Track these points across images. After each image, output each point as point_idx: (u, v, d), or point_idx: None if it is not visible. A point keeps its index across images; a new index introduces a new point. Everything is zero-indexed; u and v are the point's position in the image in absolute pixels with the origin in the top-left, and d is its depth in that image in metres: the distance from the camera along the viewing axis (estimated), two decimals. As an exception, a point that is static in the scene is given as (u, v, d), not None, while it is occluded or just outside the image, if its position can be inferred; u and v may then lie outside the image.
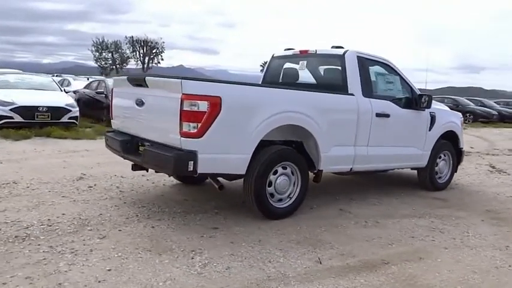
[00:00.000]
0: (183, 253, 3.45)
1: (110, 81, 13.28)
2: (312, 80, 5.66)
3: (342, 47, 5.33)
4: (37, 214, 4.19)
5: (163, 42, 65.60)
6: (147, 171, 5.06)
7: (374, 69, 5.39)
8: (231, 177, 4.22)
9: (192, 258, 3.37)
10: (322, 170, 4.74)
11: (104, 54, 65.32)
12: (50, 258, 3.20)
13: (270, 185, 4.31)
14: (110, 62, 65.49)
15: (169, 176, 5.24)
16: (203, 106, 3.72)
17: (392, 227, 4.49)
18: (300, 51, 5.70)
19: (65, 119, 10.31)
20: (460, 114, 6.89)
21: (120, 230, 3.89)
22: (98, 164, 6.77)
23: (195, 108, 3.71)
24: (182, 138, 3.77)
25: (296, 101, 4.43)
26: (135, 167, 4.75)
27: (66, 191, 5.07)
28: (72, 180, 5.60)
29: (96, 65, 65.68)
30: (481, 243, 4.14)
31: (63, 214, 4.23)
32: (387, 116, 5.26)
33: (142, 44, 65.24)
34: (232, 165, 4.02)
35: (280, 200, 4.45)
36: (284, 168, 4.41)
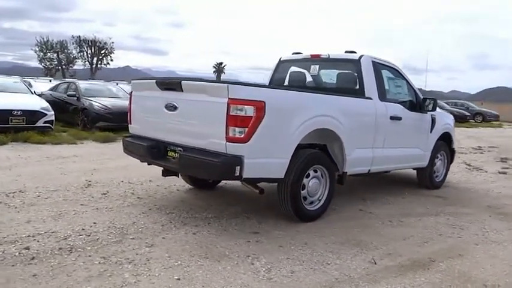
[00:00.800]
0: (240, 259, 3.43)
1: (82, 84, 12.84)
2: (327, 84, 5.77)
3: (355, 52, 5.48)
4: (66, 224, 4.01)
5: (113, 42, 63.56)
6: (178, 176, 4.96)
7: (385, 73, 5.58)
8: (269, 181, 4.23)
9: (252, 263, 3.35)
10: (346, 172, 4.85)
11: (48, 54, 62.21)
12: (111, 270, 3.08)
13: (303, 188, 4.36)
14: (56, 62, 62.50)
15: (210, 181, 5.06)
16: (250, 111, 3.71)
17: (416, 225, 4.67)
18: (312, 55, 5.80)
19: (40, 123, 9.81)
20: (452, 116, 7.27)
21: (163, 238, 3.79)
22: (95, 170, 6.55)
23: (242, 113, 3.69)
24: (228, 143, 3.74)
25: (327, 105, 4.52)
26: (166, 173, 4.65)
27: (82, 199, 4.86)
28: (81, 188, 5.37)
29: (41, 66, 62.51)
30: (502, 238, 4.40)
31: (95, 223, 4.06)
32: (399, 119, 5.47)
33: (90, 44, 62.79)
34: (274, 170, 4.03)
35: (311, 202, 4.52)
36: (315, 171, 4.48)
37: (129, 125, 4.94)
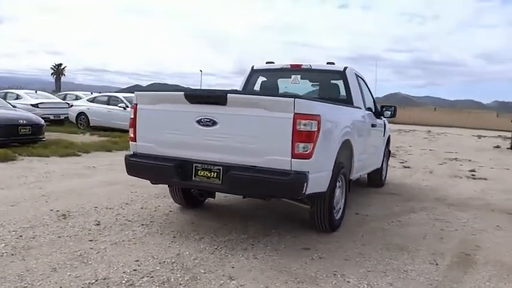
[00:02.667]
0: (329, 278, 3.36)
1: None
2: (307, 94, 5.91)
3: (334, 63, 5.75)
4: (106, 266, 3.37)
5: None
6: (214, 197, 4.52)
7: (361, 83, 5.98)
8: (315, 196, 4.15)
9: (348, 281, 3.33)
10: (351, 179, 5.08)
11: None
12: None
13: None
14: None
15: (267, 200, 4.66)
16: (314, 125, 3.66)
17: (413, 223, 5.15)
18: (291, 65, 5.86)
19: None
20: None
21: (233, 267, 3.47)
22: (43, 196, 5.51)
23: (308, 128, 3.61)
24: (294, 159, 3.62)
25: (348, 116, 4.68)
26: (207, 195, 4.24)
27: (81, 234, 4.11)
28: (58, 220, 4.50)
29: None
30: (492, 225, 5.13)
31: (137, 261, 3.50)
32: (375, 126, 5.94)
33: None
34: (323, 183, 4.02)
35: (337, 211, 4.62)
36: (339, 181, 4.59)
37: (133, 143, 4.33)
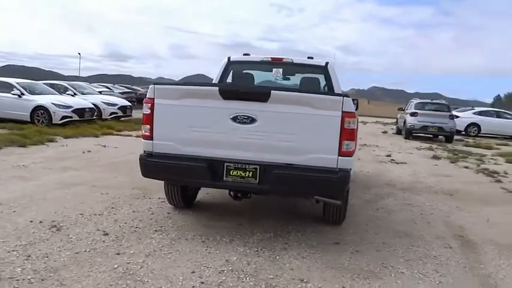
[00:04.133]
0: (390, 270, 3.51)
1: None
2: (291, 86, 5.94)
3: (313, 58, 5.88)
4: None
5: None
6: (249, 197, 4.24)
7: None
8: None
9: (402, 272, 3.51)
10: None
11: None
12: None
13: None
14: None
15: (307, 199, 4.48)
16: (355, 123, 3.74)
17: (394, 209, 5.57)
18: (272, 58, 5.81)
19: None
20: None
21: (292, 269, 3.41)
22: (11, 206, 4.70)
23: (352, 126, 3.68)
24: (340, 157, 3.67)
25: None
26: (242, 195, 4.01)
27: (97, 247, 3.63)
28: (50, 232, 3.91)
29: None
30: (451, 206, 5.80)
31: (183, 276, 3.25)
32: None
33: None
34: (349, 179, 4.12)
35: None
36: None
37: (148, 141, 3.92)
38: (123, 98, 17.99)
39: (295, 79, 6.14)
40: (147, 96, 3.90)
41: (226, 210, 4.94)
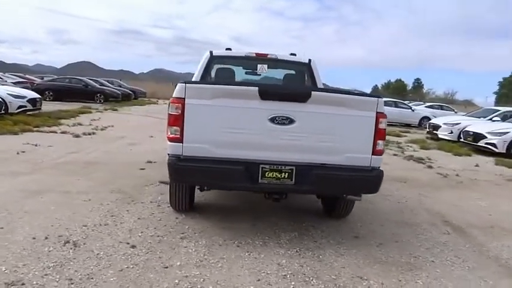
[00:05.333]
0: (425, 261, 3.77)
1: None
2: (275, 83, 5.94)
3: (296, 54, 5.97)
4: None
5: None
6: (286, 197, 4.08)
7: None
8: None
9: (433, 260, 3.80)
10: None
11: None
12: None
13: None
14: None
15: (343, 198, 4.37)
16: (385, 123, 3.93)
17: (375, 201, 5.91)
18: (257, 54, 5.75)
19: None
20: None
21: (343, 267, 3.50)
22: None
23: (384, 126, 3.86)
24: (373, 156, 3.83)
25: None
26: (279, 197, 3.90)
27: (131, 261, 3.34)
28: (62, 246, 3.50)
29: None
30: (415, 193, 6.32)
31: None
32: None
33: None
34: None
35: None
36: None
37: (177, 144, 3.66)
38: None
39: (277, 75, 6.12)
40: (174, 96, 3.62)
41: (228, 211, 4.82)
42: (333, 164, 3.73)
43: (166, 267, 3.20)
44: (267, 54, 5.71)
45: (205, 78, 5.58)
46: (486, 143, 12.32)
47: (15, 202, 4.56)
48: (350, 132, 3.72)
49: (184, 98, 3.57)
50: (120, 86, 29.67)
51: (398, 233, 4.46)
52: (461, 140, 13.43)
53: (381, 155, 3.82)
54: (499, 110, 16.46)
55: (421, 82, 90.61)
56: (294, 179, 3.71)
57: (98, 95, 22.91)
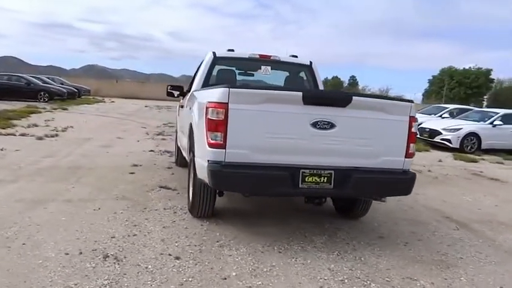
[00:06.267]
0: (455, 258, 3.96)
1: None
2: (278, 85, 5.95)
3: (297, 56, 6.02)
4: None
5: None
6: (324, 201, 4.03)
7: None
8: None
9: (461, 257, 4.00)
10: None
11: None
12: None
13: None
14: None
15: (380, 201, 4.28)
16: (417, 127, 4.07)
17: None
18: (260, 55, 5.73)
19: None
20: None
21: (388, 269, 3.60)
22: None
23: (415, 130, 4.01)
24: (406, 159, 3.96)
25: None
26: (320, 201, 3.89)
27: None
28: (100, 261, 3.33)
29: None
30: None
31: None
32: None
33: None
34: None
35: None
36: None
37: (219, 150, 3.56)
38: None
39: (277, 76, 6.11)
40: (216, 100, 3.52)
41: (246, 215, 4.76)
42: (370, 167, 3.80)
43: (225, 279, 3.10)
44: (270, 56, 5.70)
45: (208, 80, 5.47)
46: (442, 139, 13.11)
47: (19, 214, 4.21)
48: (386, 136, 3.81)
49: (227, 103, 3.47)
50: (62, 84, 28.08)
51: (416, 231, 4.63)
52: (418, 136, 14.17)
53: (412, 157, 3.94)
54: (447, 108, 17.56)
55: (356, 79, 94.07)
56: (332, 183, 3.73)
57: (42, 93, 21.55)
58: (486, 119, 13.84)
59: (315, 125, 3.61)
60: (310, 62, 5.84)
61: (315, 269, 3.41)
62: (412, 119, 3.87)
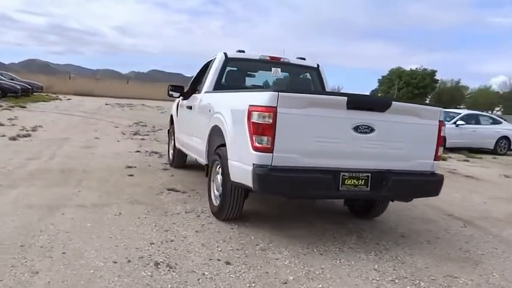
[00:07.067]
0: (475, 254, 4.18)
1: None
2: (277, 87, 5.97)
3: (305, 59, 6.10)
4: None
5: None
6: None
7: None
8: None
9: (482, 254, 4.23)
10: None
11: None
12: None
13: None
14: None
15: (408, 202, 4.58)
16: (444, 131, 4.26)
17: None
18: (271, 57, 5.75)
19: None
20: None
21: (426, 267, 3.75)
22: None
23: (443, 133, 4.20)
24: (434, 161, 4.15)
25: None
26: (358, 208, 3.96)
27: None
28: (153, 270, 3.26)
29: None
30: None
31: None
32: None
33: None
34: None
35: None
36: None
37: (266, 154, 3.55)
38: None
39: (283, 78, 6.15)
40: (264, 104, 3.51)
41: (268, 217, 4.79)
42: (402, 169, 3.93)
43: (285, 283, 3.11)
44: (280, 58, 5.73)
45: (221, 81, 5.43)
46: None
47: (39, 221, 4.01)
48: (418, 139, 3.97)
49: (276, 107, 3.47)
50: (13, 79, 26.56)
51: (431, 229, 4.84)
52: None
53: (439, 160, 4.12)
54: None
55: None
56: (369, 186, 3.83)
57: (-3, 91, 20.30)
58: (449, 119, 14.56)
59: (356, 129, 3.69)
60: (318, 65, 5.93)
61: (362, 270, 3.48)
62: (441, 123, 4.04)
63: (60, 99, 26.72)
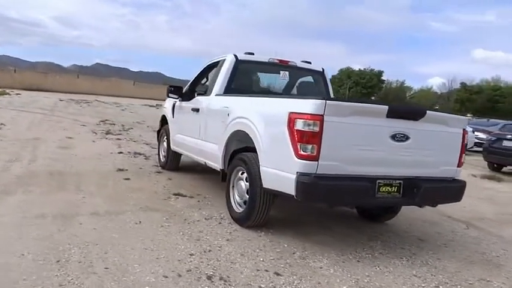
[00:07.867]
0: (492, 256, 4.38)
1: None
2: (284, 91, 5.97)
3: (310, 62, 6.12)
4: None
5: None
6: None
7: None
8: None
9: (497, 256, 4.45)
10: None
11: None
12: None
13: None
14: None
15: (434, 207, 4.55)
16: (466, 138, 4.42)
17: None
18: (279, 60, 5.72)
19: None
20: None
21: (458, 270, 3.88)
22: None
23: (466, 141, 4.37)
24: (457, 168, 4.31)
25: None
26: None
27: None
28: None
29: None
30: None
31: None
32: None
33: None
34: None
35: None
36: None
37: (310, 162, 3.51)
38: None
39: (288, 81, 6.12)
40: (310, 112, 3.48)
41: (286, 223, 4.72)
42: (431, 176, 4.05)
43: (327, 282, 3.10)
44: (288, 61, 5.71)
45: (231, 84, 5.33)
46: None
47: (59, 232, 3.75)
48: (446, 147, 4.10)
49: (323, 115, 3.45)
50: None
51: (441, 232, 5.02)
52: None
53: (461, 167, 4.28)
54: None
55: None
56: (401, 192, 3.91)
57: None
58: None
59: (393, 137, 3.75)
60: (323, 69, 5.96)
61: (403, 276, 3.54)
62: (464, 131, 4.20)
63: (9, 94, 24.99)
